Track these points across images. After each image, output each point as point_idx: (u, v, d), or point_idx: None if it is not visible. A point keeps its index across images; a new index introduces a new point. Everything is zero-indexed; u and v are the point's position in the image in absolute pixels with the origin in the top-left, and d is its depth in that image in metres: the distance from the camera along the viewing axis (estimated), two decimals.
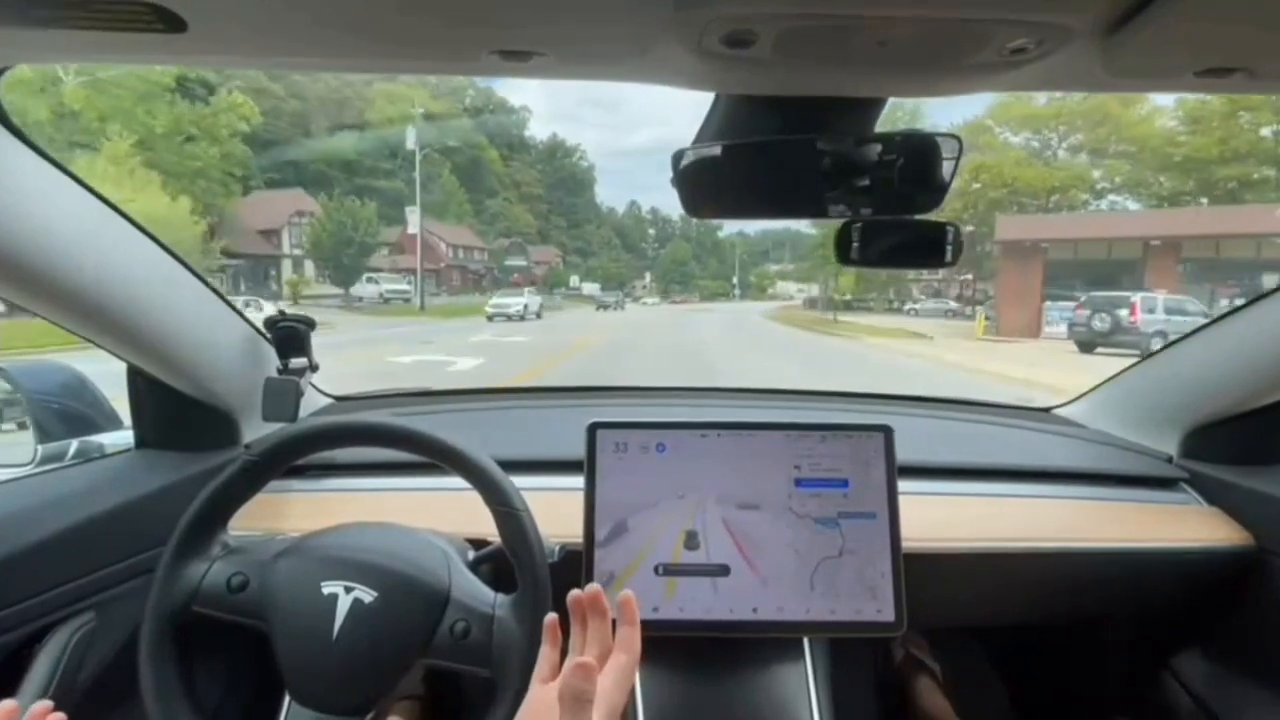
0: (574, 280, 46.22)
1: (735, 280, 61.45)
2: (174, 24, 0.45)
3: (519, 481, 0.72)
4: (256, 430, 1.05)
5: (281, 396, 1.00)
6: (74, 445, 1.00)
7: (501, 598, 0.70)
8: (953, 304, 26.11)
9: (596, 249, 57.48)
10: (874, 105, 0.62)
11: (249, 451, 0.73)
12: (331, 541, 0.72)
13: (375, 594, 0.67)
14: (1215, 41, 0.47)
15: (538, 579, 0.69)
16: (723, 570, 0.83)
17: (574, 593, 0.57)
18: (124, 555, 0.84)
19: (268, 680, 0.73)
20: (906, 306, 28.27)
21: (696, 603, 0.82)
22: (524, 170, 53.53)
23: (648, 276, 59.94)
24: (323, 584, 0.68)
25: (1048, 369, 8.75)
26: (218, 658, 0.96)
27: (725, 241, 65.92)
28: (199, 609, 0.69)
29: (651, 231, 69.04)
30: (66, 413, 1.02)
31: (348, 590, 0.67)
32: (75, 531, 0.79)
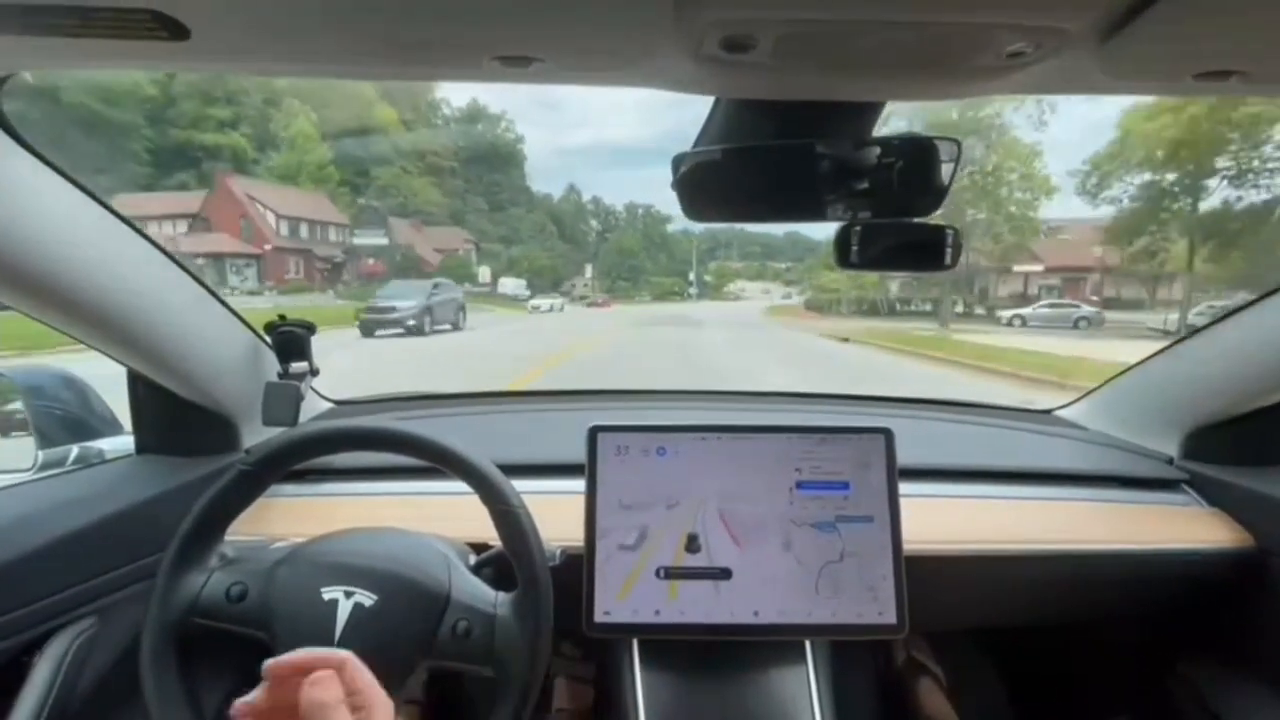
0: (484, 273, 32.70)
1: (692, 277, 52.00)
2: (177, 32, 0.45)
3: (519, 485, 0.72)
4: (257, 435, 1.05)
5: (282, 401, 1.00)
6: (74, 451, 1.00)
7: (503, 596, 0.70)
8: (1086, 309, 16.77)
9: (527, 237, 44.89)
10: (873, 109, 0.62)
11: (244, 459, 0.73)
12: (330, 547, 0.72)
13: (375, 598, 0.67)
14: (1210, 46, 0.48)
15: (538, 576, 0.69)
16: (724, 573, 0.83)
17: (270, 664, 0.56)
18: (125, 560, 0.84)
19: None
20: (1008, 315, 17.11)
21: (698, 605, 0.82)
22: (431, 136, 42.23)
23: (588, 271, 47.41)
24: (323, 590, 0.68)
25: None
26: (220, 666, 0.96)
27: (674, 236, 55.97)
28: (199, 620, 0.68)
29: (595, 223, 57.42)
30: (67, 418, 1.03)
31: (348, 595, 0.67)
32: (76, 537, 0.78)
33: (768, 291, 51.41)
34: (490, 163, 46.37)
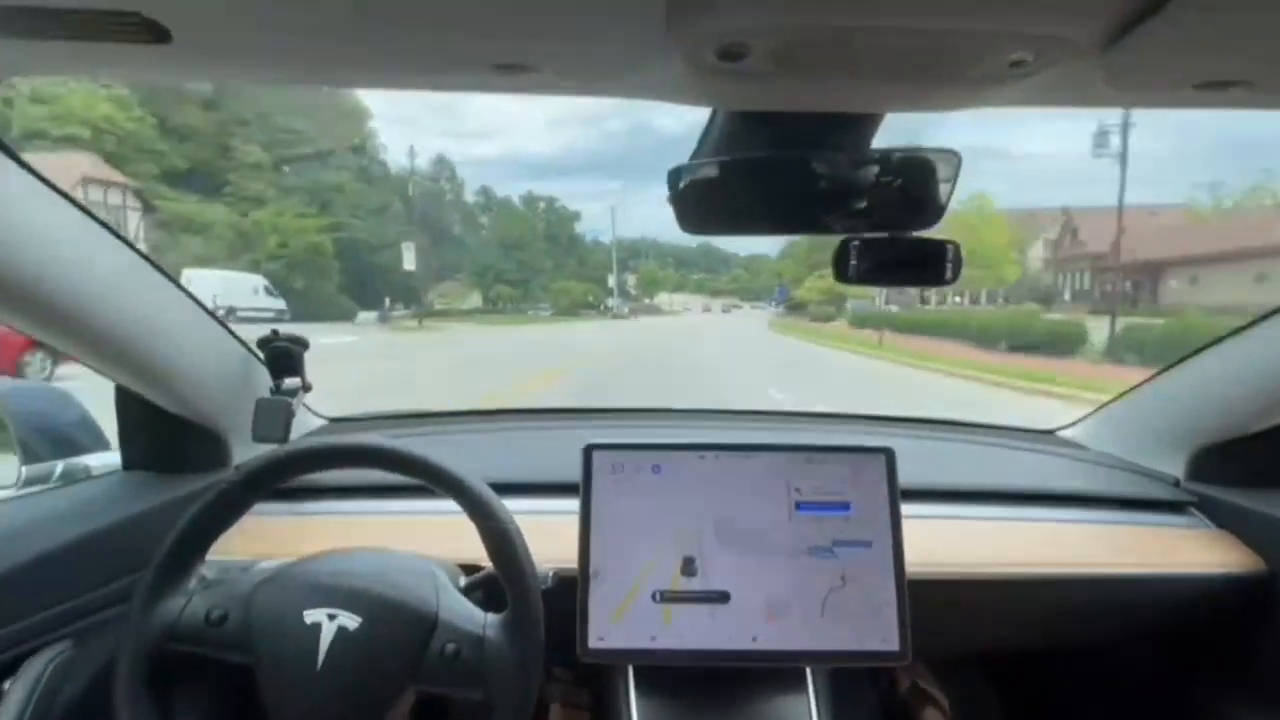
0: None
1: (612, 283, 38.25)
2: (159, 35, 0.44)
3: (512, 504, 0.71)
4: (248, 451, 1.03)
5: (272, 417, 0.98)
6: (59, 467, 0.98)
7: (492, 617, 0.68)
8: None
9: (348, 215, 27.35)
10: (871, 120, 0.62)
11: (226, 478, 0.71)
12: (313, 568, 0.70)
13: (360, 620, 0.65)
14: (1214, 55, 0.47)
15: (528, 596, 0.67)
16: (722, 597, 0.80)
17: None
18: (107, 580, 0.82)
19: (252, 714, 0.70)
20: None
21: (695, 631, 0.80)
22: None
23: (408, 254, 24.83)
24: (305, 613, 0.66)
25: None
26: (199, 692, 0.93)
27: (582, 238, 43.62)
28: (177, 646, 0.66)
29: (484, 219, 42.22)
30: (52, 433, 1.01)
31: (331, 618, 0.65)
32: (56, 556, 0.76)
33: (709, 308, 44.69)
34: (281, 96, 28.44)
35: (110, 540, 0.83)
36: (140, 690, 0.65)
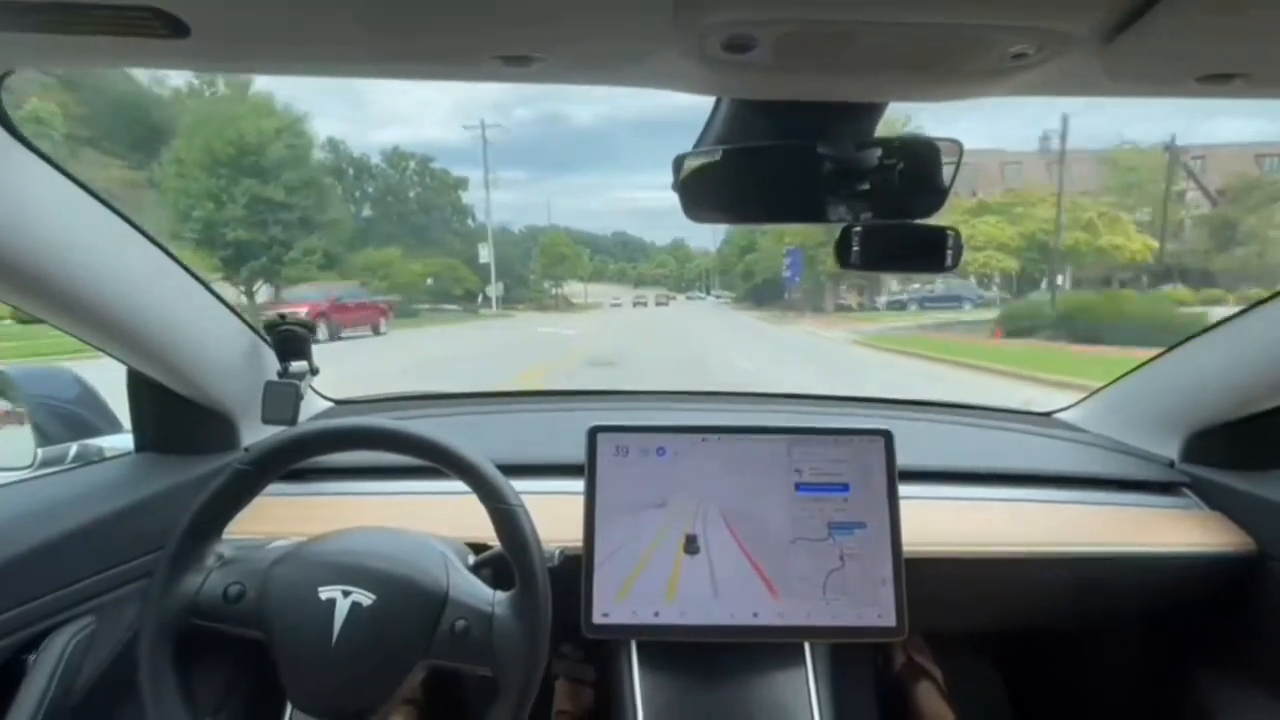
0: None
1: (486, 257, 27.50)
2: (177, 29, 0.45)
3: (519, 485, 0.72)
4: (257, 434, 1.05)
5: (281, 400, 1.00)
6: (73, 449, 1.00)
7: (500, 595, 0.70)
8: None
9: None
10: (874, 109, 0.62)
11: (241, 458, 0.72)
12: (327, 547, 0.72)
13: (373, 597, 0.67)
14: (1214, 48, 0.47)
15: (536, 574, 0.69)
16: (723, 575, 0.83)
17: None
18: (124, 559, 0.84)
19: (268, 688, 0.73)
20: None
21: (697, 607, 0.82)
22: None
23: None
24: (320, 589, 0.67)
25: None
26: (217, 666, 0.96)
27: (473, 210, 31.95)
28: (196, 620, 0.68)
29: (374, 186, 30.46)
30: (66, 416, 1.02)
31: (345, 594, 0.67)
32: (74, 535, 0.78)
33: (643, 300, 37.55)
34: None
35: (127, 520, 0.85)
36: (163, 663, 0.67)
